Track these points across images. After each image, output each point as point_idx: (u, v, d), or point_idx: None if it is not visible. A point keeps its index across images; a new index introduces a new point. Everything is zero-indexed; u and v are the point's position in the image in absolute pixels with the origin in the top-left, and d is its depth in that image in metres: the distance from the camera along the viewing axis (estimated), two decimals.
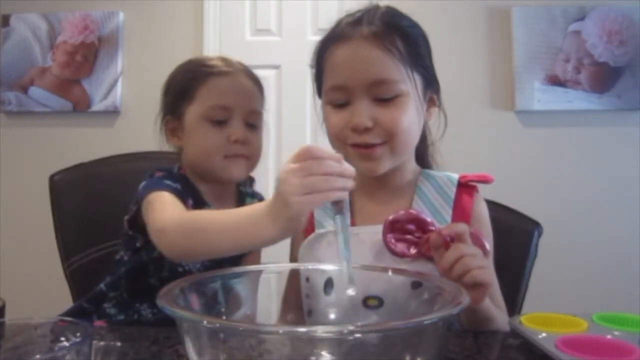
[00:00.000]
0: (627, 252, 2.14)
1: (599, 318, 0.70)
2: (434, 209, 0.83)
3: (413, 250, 0.76)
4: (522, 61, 2.24)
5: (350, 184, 0.60)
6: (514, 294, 1.01)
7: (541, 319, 0.70)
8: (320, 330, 0.43)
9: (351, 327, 0.41)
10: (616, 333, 0.64)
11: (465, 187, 0.86)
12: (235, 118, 0.95)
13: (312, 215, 0.89)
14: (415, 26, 0.84)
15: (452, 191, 0.84)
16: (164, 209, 0.82)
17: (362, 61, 0.77)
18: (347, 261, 0.58)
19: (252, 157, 0.98)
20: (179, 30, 2.35)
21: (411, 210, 0.79)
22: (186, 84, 0.97)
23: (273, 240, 0.64)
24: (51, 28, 2.36)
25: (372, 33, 0.77)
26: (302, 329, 0.44)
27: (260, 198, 1.10)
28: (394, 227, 0.77)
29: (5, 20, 2.37)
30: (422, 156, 0.94)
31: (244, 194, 1.07)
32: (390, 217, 0.77)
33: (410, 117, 0.78)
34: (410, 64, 0.78)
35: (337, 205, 0.60)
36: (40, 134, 2.36)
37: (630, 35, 2.22)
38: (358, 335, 0.43)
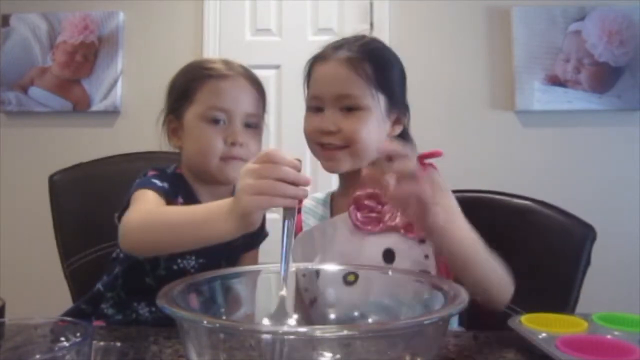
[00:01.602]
0: (627, 252, 2.14)
1: (599, 318, 0.70)
2: None
3: (378, 226, 0.88)
4: (522, 61, 2.24)
5: (302, 192, 0.64)
6: (564, 301, 0.97)
7: (541, 319, 0.70)
8: (320, 331, 0.43)
9: (351, 327, 0.41)
10: (616, 333, 0.64)
11: (422, 165, 0.92)
12: (233, 120, 0.96)
13: (300, 216, 0.99)
14: (391, 58, 0.97)
15: None
16: (137, 207, 0.85)
17: (335, 78, 0.92)
18: (285, 264, 0.62)
19: (249, 160, 0.98)
20: (179, 30, 2.34)
21: (369, 190, 0.89)
22: (187, 85, 0.99)
23: (228, 236, 0.68)
24: (51, 28, 2.36)
25: (347, 57, 0.92)
26: (302, 329, 0.44)
27: None
28: (360, 206, 0.89)
29: (5, 20, 2.37)
30: None
31: None
32: (353, 197, 0.90)
33: (369, 129, 0.90)
34: (375, 86, 0.91)
35: (287, 210, 0.63)
36: (40, 134, 2.36)
37: (630, 35, 2.22)
38: (358, 335, 0.43)
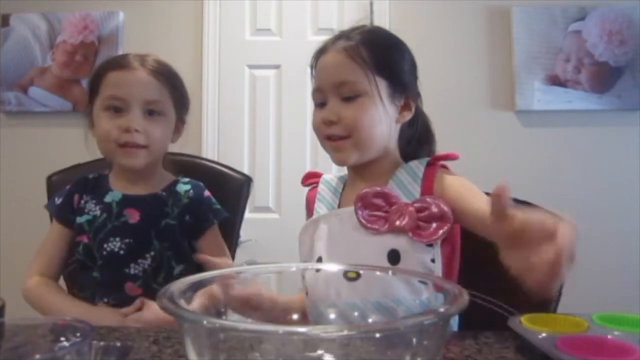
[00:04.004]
0: (627, 252, 2.14)
1: (599, 318, 0.70)
2: (405, 188, 0.91)
3: (385, 226, 0.86)
4: (522, 61, 2.24)
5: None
6: (547, 299, 0.92)
7: (541, 319, 0.70)
8: (320, 331, 0.43)
9: (351, 327, 0.41)
10: (616, 333, 0.64)
11: (434, 165, 0.93)
12: (131, 108, 1.03)
13: (313, 203, 1.01)
14: (392, 42, 0.96)
15: (420, 171, 0.92)
16: (33, 264, 1.15)
17: (331, 67, 0.92)
18: None
19: (151, 147, 1.05)
20: (179, 30, 2.34)
21: (376, 188, 0.89)
22: (93, 79, 1.09)
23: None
24: (51, 28, 2.36)
25: (344, 46, 0.92)
26: (302, 329, 0.43)
27: (195, 185, 1.13)
28: (366, 204, 0.89)
29: (5, 20, 2.36)
30: (413, 154, 0.98)
31: (178, 181, 1.13)
32: (358, 194, 0.89)
33: (370, 116, 0.90)
34: (372, 70, 0.90)
35: None
36: (39, 133, 2.36)
37: (631, 35, 2.22)
38: (358, 335, 0.43)
